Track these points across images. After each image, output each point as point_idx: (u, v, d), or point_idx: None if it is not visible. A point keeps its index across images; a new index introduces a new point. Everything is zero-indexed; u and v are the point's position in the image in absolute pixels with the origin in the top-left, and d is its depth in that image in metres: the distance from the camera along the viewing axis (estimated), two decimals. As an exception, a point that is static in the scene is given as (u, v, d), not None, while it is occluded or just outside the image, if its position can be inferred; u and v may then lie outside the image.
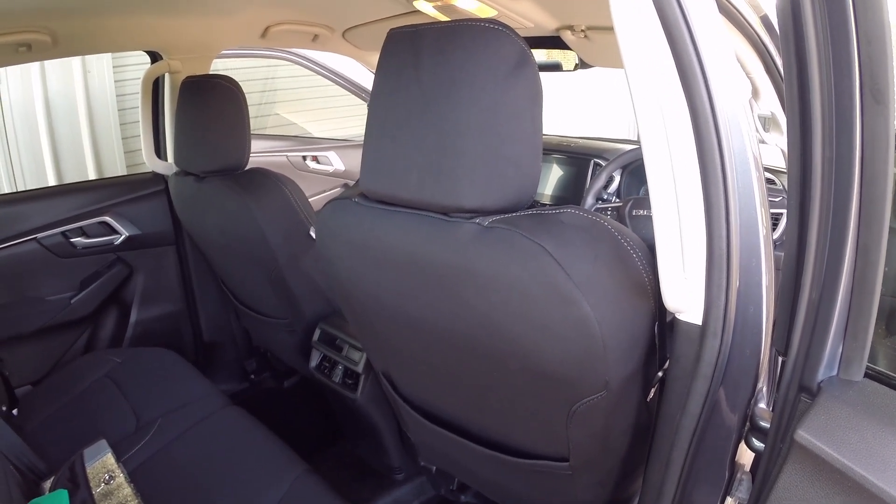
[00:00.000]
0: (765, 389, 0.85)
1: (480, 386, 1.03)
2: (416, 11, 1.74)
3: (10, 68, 3.47)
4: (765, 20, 1.55)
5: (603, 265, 0.80)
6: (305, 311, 1.75)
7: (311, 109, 4.69)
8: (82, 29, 1.75)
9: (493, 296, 0.85)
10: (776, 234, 1.79)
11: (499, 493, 1.38)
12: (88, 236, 2.08)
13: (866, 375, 0.72)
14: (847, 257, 0.67)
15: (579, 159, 2.23)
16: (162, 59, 2.07)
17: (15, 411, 1.71)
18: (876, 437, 0.66)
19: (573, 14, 1.74)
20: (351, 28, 2.13)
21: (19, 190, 3.49)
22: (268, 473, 1.35)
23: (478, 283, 0.85)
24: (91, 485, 1.29)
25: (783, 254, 0.75)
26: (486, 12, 1.68)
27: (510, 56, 0.81)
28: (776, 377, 0.80)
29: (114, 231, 2.12)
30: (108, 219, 2.11)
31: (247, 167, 1.75)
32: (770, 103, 1.72)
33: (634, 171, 1.98)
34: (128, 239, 2.13)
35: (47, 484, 1.29)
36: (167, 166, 2.10)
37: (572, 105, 5.90)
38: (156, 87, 2.14)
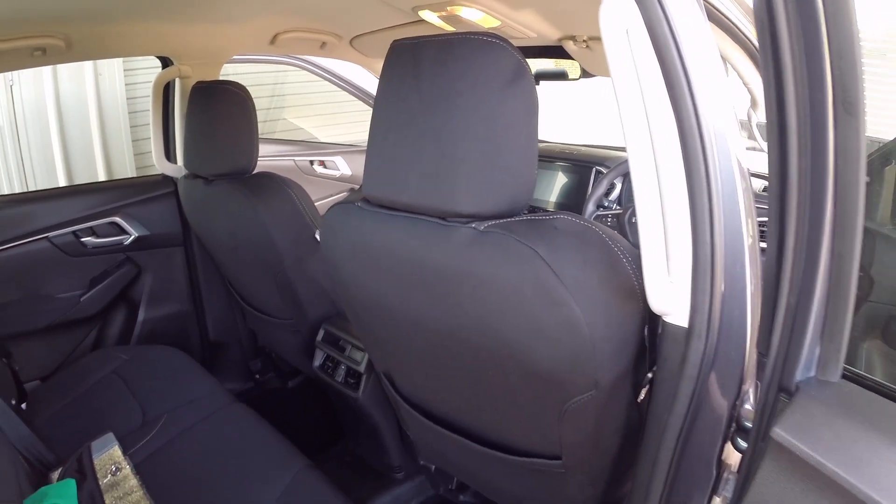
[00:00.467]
0: (751, 391, 0.88)
1: (476, 385, 1.07)
2: (422, 21, 1.78)
3: (23, 71, 3.53)
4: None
5: (592, 269, 0.83)
6: (310, 313, 1.78)
7: (320, 115, 4.74)
8: (96, 34, 1.80)
9: (488, 297, 0.88)
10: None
11: (495, 492, 1.41)
12: (98, 236, 2.13)
13: (844, 377, 0.76)
14: (822, 263, 0.70)
15: (581, 167, 2.26)
16: (173, 64, 2.12)
17: (24, 405, 1.76)
18: (849, 435, 0.69)
19: (575, 25, 1.77)
20: (358, 36, 2.17)
21: (31, 190, 3.54)
22: (270, 468, 1.39)
23: (473, 285, 0.89)
24: (98, 476, 1.33)
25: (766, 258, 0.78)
26: (489, 23, 1.72)
27: (507, 68, 0.85)
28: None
29: (123, 231, 2.16)
30: (117, 219, 2.15)
31: (255, 171, 1.79)
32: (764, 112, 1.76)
33: None
34: (137, 239, 2.18)
35: (55, 474, 1.33)
36: (177, 169, 2.14)
37: (576, 112, 5.94)
38: (166, 92, 2.18)
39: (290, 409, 2.33)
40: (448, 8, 1.64)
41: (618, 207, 1.94)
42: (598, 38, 1.81)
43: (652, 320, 0.90)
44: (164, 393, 1.70)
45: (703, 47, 0.73)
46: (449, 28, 1.78)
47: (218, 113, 1.74)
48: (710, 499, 0.90)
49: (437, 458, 1.52)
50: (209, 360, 2.33)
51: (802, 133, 0.68)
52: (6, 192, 3.70)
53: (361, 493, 1.77)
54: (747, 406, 0.86)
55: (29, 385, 1.98)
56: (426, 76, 0.88)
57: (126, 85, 3.82)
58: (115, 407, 1.65)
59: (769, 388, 0.77)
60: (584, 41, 1.84)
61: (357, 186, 3.22)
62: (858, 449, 0.67)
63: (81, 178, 3.81)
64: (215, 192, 1.77)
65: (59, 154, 3.70)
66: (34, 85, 3.69)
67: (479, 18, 1.69)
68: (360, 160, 3.20)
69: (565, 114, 5.51)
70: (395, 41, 0.96)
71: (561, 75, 2.17)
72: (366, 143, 1.01)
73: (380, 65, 0.98)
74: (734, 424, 0.86)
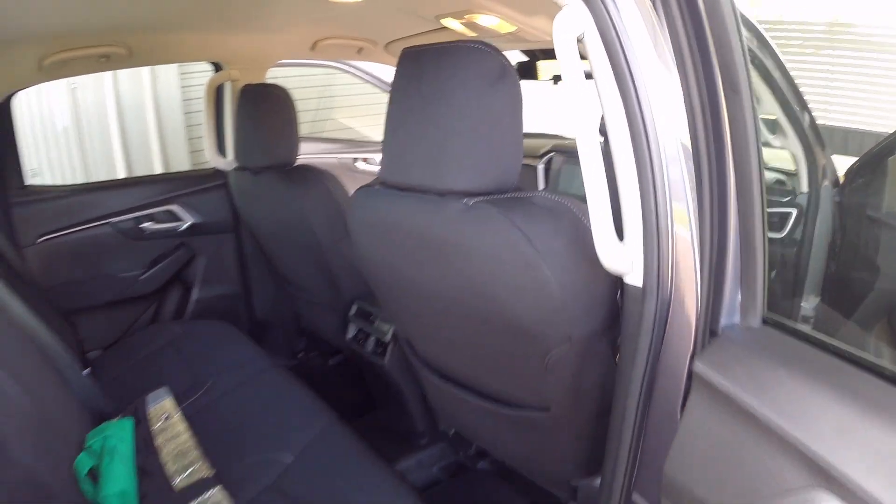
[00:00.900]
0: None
1: (474, 342, 1.25)
2: (446, 28, 1.95)
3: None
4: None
5: (562, 237, 1.00)
6: (344, 291, 1.98)
7: (367, 115, 4.92)
8: (155, 43, 2.03)
9: (475, 262, 1.06)
10: (784, 233, 1.95)
11: (502, 450, 1.58)
12: (156, 222, 2.36)
13: (765, 322, 0.90)
14: (732, 222, 0.86)
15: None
16: (224, 68, 2.35)
17: (86, 372, 1.98)
18: (759, 369, 0.84)
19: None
20: (392, 42, 2.36)
21: (96, 181, 3.82)
22: (301, 420, 1.58)
23: (463, 251, 1.07)
24: (151, 421, 1.54)
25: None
26: (506, 28, 1.89)
27: (492, 70, 1.03)
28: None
29: (178, 219, 2.40)
30: (174, 208, 2.38)
31: (296, 164, 2.00)
32: (771, 107, 1.86)
33: None
34: (191, 226, 2.41)
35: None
36: (227, 163, 2.36)
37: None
38: (218, 93, 2.41)
39: (328, 384, 2.52)
40: (466, 16, 1.82)
41: None
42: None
43: (624, 285, 1.04)
44: (214, 360, 1.91)
45: (643, 48, 0.88)
46: (470, 34, 1.96)
47: (263, 112, 1.95)
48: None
49: (453, 421, 1.70)
50: (256, 339, 2.54)
51: (705, 113, 0.84)
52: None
53: (387, 455, 1.95)
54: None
55: (91, 354, 2.21)
56: (426, 78, 1.07)
57: (182, 87, 4.09)
58: (169, 371, 1.86)
59: (704, 333, 0.92)
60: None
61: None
62: (765, 379, 0.82)
63: (140, 172, 4.09)
64: (262, 182, 1.98)
65: (118, 151, 3.98)
66: (95, 88, 3.98)
67: (495, 24, 1.86)
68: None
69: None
70: (404, 49, 1.15)
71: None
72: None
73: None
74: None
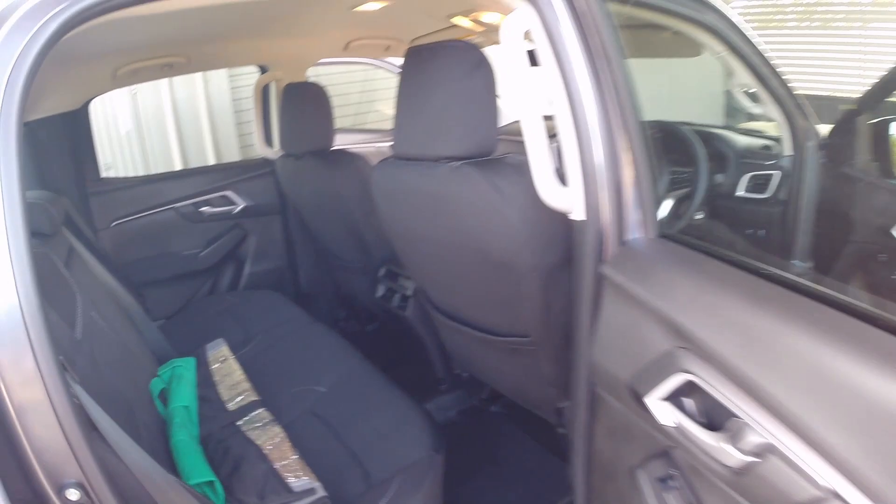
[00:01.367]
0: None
1: (465, 279, 1.54)
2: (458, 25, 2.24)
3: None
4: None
5: (525, 187, 1.26)
6: (374, 255, 2.28)
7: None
8: (209, 51, 2.35)
9: (461, 211, 1.35)
10: (768, 193, 2.16)
11: (496, 379, 1.87)
12: (213, 206, 2.70)
13: (661, 236, 1.14)
14: (623, 155, 1.10)
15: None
16: (269, 70, 2.67)
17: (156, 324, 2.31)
18: (645, 265, 1.08)
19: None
20: (416, 39, 2.64)
21: (161, 172, 4.20)
22: (334, 360, 1.88)
23: (452, 204, 1.36)
24: (210, 363, 1.86)
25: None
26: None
27: (471, 62, 1.31)
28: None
29: (232, 203, 2.73)
30: (228, 193, 2.72)
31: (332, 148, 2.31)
32: (745, 79, 2.06)
33: None
34: (244, 209, 2.74)
35: (179, 367, 1.86)
36: (274, 152, 2.68)
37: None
38: (265, 92, 2.74)
39: (364, 346, 2.82)
40: (472, 14, 2.11)
41: None
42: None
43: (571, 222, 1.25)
44: (263, 320, 2.23)
45: (568, 37, 1.13)
46: (478, 29, 2.24)
47: (303, 106, 2.27)
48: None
49: (462, 360, 1.99)
50: (302, 306, 2.86)
51: (593, 74, 1.10)
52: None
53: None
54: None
55: (157, 322, 2.55)
56: (423, 70, 1.37)
57: (231, 88, 4.45)
58: (224, 329, 2.18)
59: (613, 245, 1.15)
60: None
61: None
62: (651, 273, 1.06)
63: (194, 164, 4.46)
64: (304, 164, 2.30)
65: (175, 147, 4.36)
66: (153, 92, 4.36)
67: (498, 20, 2.13)
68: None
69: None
70: (408, 48, 1.44)
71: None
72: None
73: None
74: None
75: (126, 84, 2.45)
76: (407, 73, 1.44)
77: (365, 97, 5.11)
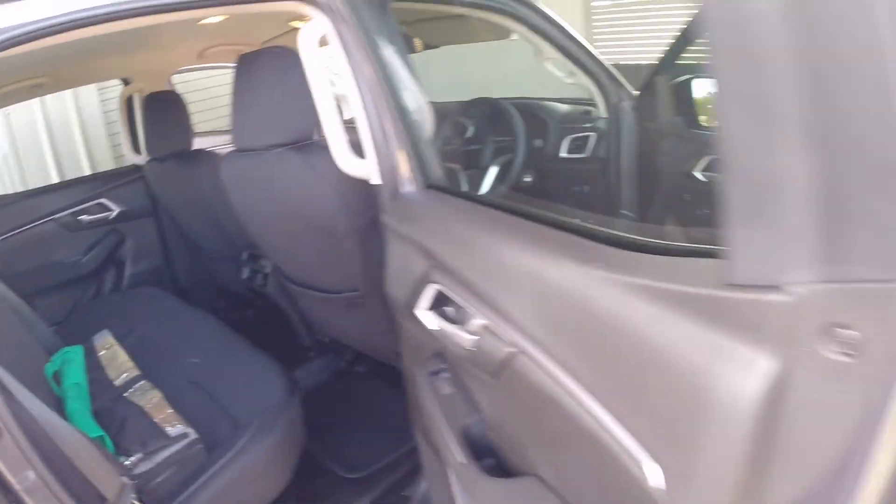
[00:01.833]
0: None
1: (302, 247, 1.82)
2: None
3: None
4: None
5: (334, 164, 1.54)
6: (237, 243, 2.51)
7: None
8: (76, 70, 2.52)
9: (288, 189, 1.63)
10: (587, 152, 2.52)
11: (345, 333, 2.17)
12: (90, 214, 2.86)
13: (428, 187, 1.40)
14: (390, 123, 1.39)
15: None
16: (132, 82, 2.86)
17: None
18: (409, 209, 1.37)
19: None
20: (266, 42, 2.87)
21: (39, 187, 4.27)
22: (206, 336, 2.12)
23: (279, 184, 1.63)
24: (97, 350, 2.07)
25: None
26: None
27: (287, 64, 1.58)
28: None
29: (108, 209, 2.90)
30: (103, 200, 2.89)
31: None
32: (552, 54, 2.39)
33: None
34: (119, 214, 2.92)
35: (74, 350, 2.06)
36: (142, 158, 2.87)
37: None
38: (130, 102, 2.92)
39: (242, 329, 3.03)
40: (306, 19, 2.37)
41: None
42: (426, 19, 2.52)
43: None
44: (144, 312, 2.43)
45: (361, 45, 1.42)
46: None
47: (162, 113, 2.48)
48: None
49: (321, 327, 2.26)
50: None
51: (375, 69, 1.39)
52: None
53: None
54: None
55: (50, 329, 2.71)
56: (250, 72, 1.64)
57: (102, 101, 4.51)
58: (111, 325, 2.36)
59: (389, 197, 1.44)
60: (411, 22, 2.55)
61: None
62: (418, 216, 1.35)
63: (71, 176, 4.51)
64: (167, 166, 2.52)
65: (51, 162, 4.41)
66: (27, 111, 4.38)
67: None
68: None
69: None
70: (239, 56, 1.70)
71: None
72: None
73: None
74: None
75: (-5, 107, 2.59)
76: (238, 77, 1.71)
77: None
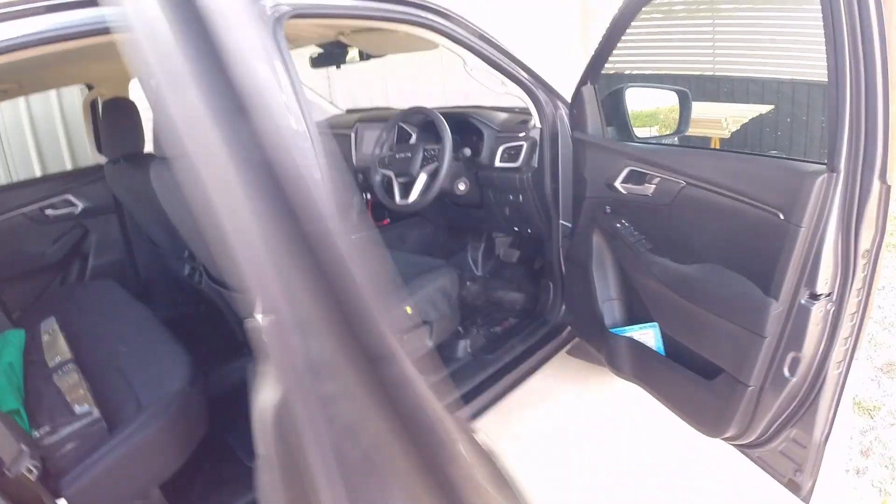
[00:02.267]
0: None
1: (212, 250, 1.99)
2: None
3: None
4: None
5: None
6: (180, 240, 2.70)
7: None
8: (40, 76, 2.72)
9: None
10: (519, 162, 2.64)
11: None
12: (56, 209, 3.07)
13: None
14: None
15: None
16: (94, 88, 3.06)
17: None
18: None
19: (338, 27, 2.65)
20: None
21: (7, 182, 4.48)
22: (134, 324, 2.29)
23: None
24: (40, 335, 2.26)
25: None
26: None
27: None
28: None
29: (73, 204, 3.11)
30: (69, 196, 3.10)
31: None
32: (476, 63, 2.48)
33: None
34: (83, 210, 3.12)
35: (18, 334, 2.26)
36: (103, 158, 3.06)
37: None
38: (94, 106, 3.12)
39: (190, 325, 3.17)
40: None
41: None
42: (361, 30, 2.67)
43: None
44: (96, 303, 2.62)
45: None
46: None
47: (116, 117, 2.68)
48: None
49: None
50: (143, 294, 3.24)
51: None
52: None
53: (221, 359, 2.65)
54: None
55: (15, 315, 2.92)
56: None
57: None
58: (64, 312, 2.56)
59: None
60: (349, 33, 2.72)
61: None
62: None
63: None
64: (122, 167, 2.71)
65: (35, 157, 4.61)
66: (12, 109, 4.55)
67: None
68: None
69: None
70: None
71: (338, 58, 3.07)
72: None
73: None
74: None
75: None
76: None
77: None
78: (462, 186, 2.80)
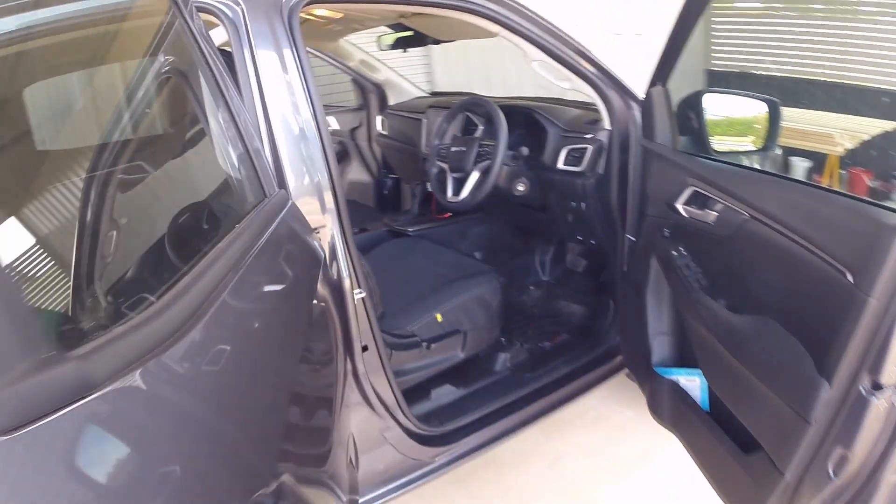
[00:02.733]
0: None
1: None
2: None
3: None
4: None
5: None
6: None
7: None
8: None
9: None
10: (583, 166, 2.34)
11: None
12: None
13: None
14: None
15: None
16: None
17: None
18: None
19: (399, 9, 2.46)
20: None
21: None
22: None
23: None
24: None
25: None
26: (336, 15, 2.45)
27: None
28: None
29: None
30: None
31: None
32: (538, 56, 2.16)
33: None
34: None
35: None
36: None
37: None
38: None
39: None
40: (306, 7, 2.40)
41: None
42: (421, 14, 2.47)
43: None
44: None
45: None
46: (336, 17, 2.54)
47: None
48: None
49: None
50: None
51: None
52: None
53: None
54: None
55: None
56: None
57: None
58: None
59: None
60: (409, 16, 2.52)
61: (342, 139, 4.02)
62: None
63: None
64: None
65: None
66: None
67: (328, 13, 2.43)
68: (346, 118, 3.98)
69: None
70: None
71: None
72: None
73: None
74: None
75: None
76: None
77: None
78: (521, 187, 2.55)
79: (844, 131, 3.01)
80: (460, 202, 2.54)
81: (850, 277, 1.22)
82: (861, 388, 1.21)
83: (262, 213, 1.23)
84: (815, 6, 2.94)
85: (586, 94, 2.25)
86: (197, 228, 1.22)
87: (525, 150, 2.55)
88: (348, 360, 1.76)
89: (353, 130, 3.97)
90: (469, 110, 2.73)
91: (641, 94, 2.07)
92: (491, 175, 2.41)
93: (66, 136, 1.06)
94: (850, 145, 3.00)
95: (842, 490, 1.29)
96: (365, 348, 1.82)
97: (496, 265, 3.14)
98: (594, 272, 2.91)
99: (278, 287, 1.17)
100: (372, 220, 3.33)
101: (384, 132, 3.77)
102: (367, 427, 1.91)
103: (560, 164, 2.44)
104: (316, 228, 1.58)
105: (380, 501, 1.98)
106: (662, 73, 1.92)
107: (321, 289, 1.46)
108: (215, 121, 1.28)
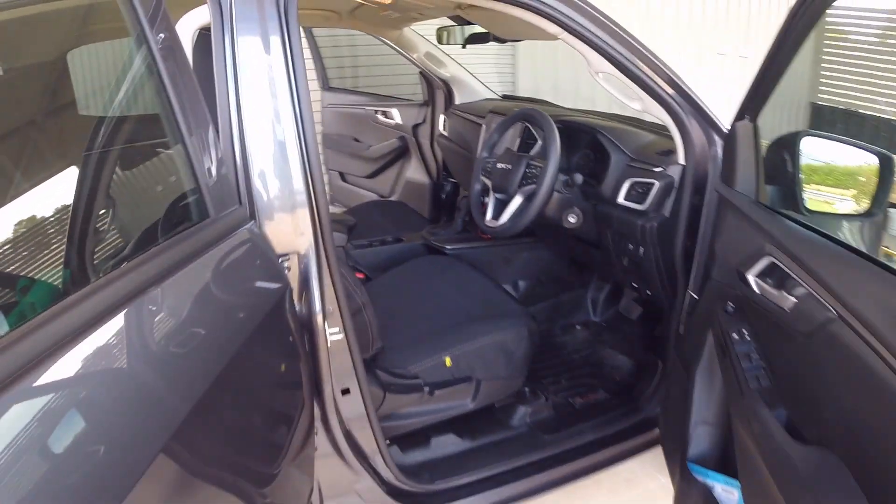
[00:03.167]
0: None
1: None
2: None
3: None
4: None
5: None
6: None
7: (386, 74, 4.69)
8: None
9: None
10: (646, 205, 1.96)
11: None
12: None
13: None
14: None
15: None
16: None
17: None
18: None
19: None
20: (353, 10, 2.65)
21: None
22: None
23: None
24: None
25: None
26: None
27: None
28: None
29: None
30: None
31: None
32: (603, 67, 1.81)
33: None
34: None
35: None
36: None
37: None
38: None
39: None
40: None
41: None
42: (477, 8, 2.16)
43: None
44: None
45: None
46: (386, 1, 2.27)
47: None
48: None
49: None
50: None
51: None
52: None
53: None
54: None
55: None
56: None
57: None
58: None
59: None
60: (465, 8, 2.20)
61: (404, 134, 3.73)
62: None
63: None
64: None
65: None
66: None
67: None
68: (410, 112, 3.70)
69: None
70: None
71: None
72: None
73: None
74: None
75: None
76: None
77: (360, 62, 4.74)
78: (572, 219, 2.19)
79: None
80: (498, 227, 2.21)
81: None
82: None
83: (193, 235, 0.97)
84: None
85: (660, 118, 1.87)
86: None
87: (579, 178, 2.19)
88: (316, 405, 1.48)
89: (416, 127, 3.68)
90: (527, 121, 2.39)
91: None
92: (535, 201, 2.07)
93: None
94: None
95: None
96: (346, 391, 1.54)
97: (542, 298, 2.80)
98: (649, 322, 2.53)
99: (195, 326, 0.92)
100: (415, 230, 3.01)
101: (444, 133, 3.47)
102: (333, 476, 1.64)
103: (621, 199, 2.07)
104: (286, 254, 1.30)
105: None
106: (752, 104, 1.54)
107: (283, 325, 1.20)
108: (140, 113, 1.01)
